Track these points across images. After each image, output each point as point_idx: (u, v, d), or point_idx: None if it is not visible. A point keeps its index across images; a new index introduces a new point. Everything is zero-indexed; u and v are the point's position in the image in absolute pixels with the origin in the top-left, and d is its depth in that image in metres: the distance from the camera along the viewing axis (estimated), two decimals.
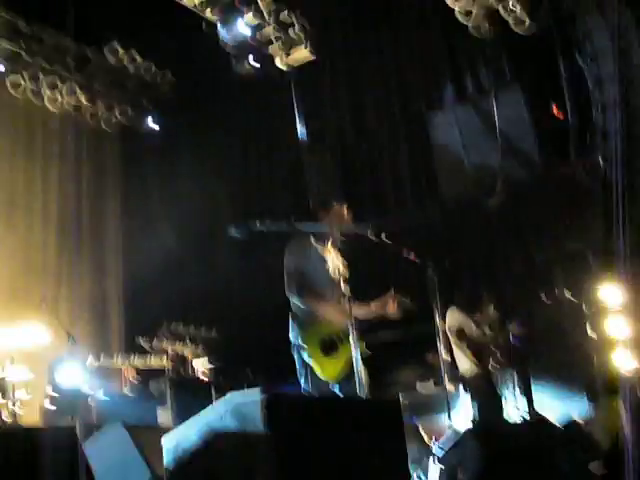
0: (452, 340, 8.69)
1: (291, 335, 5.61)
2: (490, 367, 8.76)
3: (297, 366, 5.55)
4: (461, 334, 8.66)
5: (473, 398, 8.83)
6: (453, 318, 8.76)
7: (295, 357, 5.55)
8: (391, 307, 5.70)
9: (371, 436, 3.62)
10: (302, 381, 5.49)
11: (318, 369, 5.36)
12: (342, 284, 5.61)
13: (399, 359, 11.42)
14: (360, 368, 5.18)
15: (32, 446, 3.13)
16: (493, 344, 8.88)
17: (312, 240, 5.68)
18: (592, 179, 10.14)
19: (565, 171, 10.78)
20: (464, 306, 8.89)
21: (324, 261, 5.59)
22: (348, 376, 5.43)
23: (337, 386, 5.48)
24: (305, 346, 5.38)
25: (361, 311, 5.61)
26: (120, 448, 4.00)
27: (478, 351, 8.69)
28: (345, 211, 5.83)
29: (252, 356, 11.96)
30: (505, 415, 8.75)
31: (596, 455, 5.57)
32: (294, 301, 5.59)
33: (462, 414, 9.10)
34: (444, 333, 8.74)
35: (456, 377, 8.95)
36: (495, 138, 10.77)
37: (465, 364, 8.70)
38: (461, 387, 9.24)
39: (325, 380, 5.37)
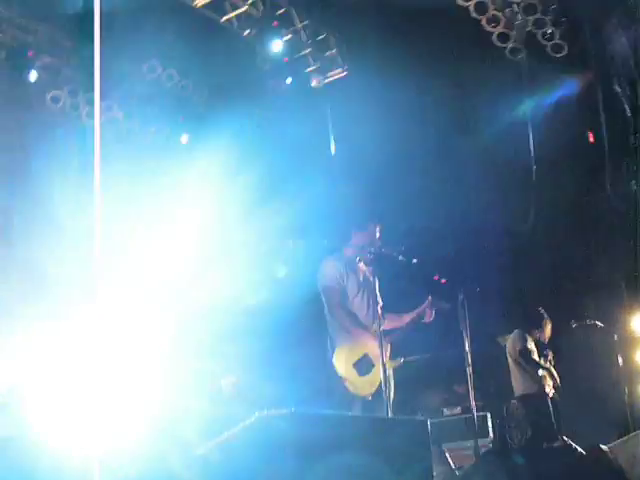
0: (516, 360, 8.71)
1: (329, 349, 5.62)
2: (548, 389, 8.72)
3: (332, 379, 5.56)
4: (527, 354, 8.67)
5: (527, 419, 8.78)
6: (519, 339, 8.78)
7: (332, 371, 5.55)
8: (428, 314, 5.69)
9: (398, 455, 3.61)
10: (337, 395, 5.49)
11: (353, 388, 5.36)
12: (376, 295, 5.61)
13: (426, 383, 11.37)
14: (390, 384, 5.20)
15: None
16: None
17: (344, 262, 5.70)
18: (626, 208, 10.08)
19: (600, 199, 10.73)
20: (527, 328, 8.90)
21: (358, 282, 5.61)
22: (377, 392, 5.43)
23: (361, 403, 5.46)
24: (339, 368, 5.39)
25: (394, 323, 5.62)
26: None
27: (539, 372, 8.69)
28: (378, 231, 5.83)
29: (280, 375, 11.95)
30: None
31: None
32: (332, 321, 5.59)
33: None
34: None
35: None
36: (530, 164, 10.73)
37: (525, 384, 8.66)
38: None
39: (357, 395, 5.37)
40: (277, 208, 13.23)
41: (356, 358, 5.45)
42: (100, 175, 3.70)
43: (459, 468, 6.28)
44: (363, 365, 5.43)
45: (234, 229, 13.32)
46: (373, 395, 5.38)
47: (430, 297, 5.69)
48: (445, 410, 10.07)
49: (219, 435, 3.43)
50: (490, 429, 9.44)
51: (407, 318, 5.70)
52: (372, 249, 5.53)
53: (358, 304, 5.64)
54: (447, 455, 6.33)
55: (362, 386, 5.38)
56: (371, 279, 5.69)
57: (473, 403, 6.25)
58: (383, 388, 5.07)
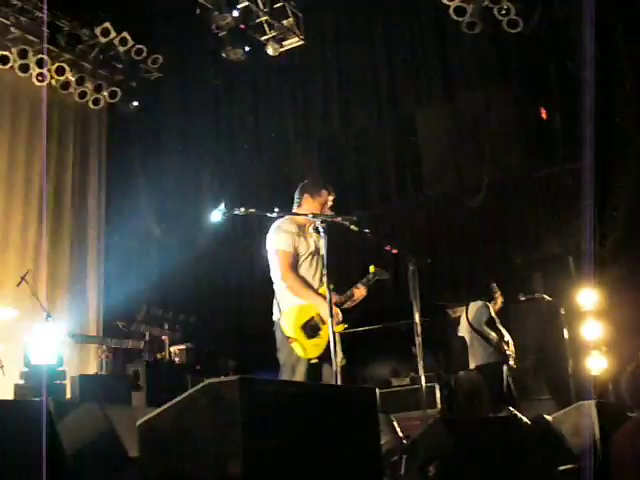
0: (476, 330, 8.76)
1: (275, 313, 5.61)
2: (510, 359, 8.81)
3: (277, 342, 5.56)
4: (494, 324, 8.72)
5: (480, 389, 8.92)
6: (484, 309, 8.82)
7: (276, 334, 5.55)
8: (362, 291, 5.70)
9: (345, 422, 3.63)
10: (279, 356, 5.49)
11: (301, 351, 5.37)
12: (323, 262, 5.62)
13: (376, 355, 11.47)
14: (338, 350, 5.26)
15: (1, 419, 3.13)
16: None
17: (293, 222, 5.67)
18: (577, 184, 10.22)
19: (550, 174, 10.87)
20: (487, 300, 8.96)
21: (307, 247, 5.60)
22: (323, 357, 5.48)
23: (305, 366, 5.47)
24: (287, 330, 5.39)
25: (338, 299, 5.63)
26: (94, 427, 4.00)
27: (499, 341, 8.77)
28: (330, 199, 5.81)
29: (231, 343, 11.99)
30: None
31: (563, 452, 5.64)
32: (279, 284, 5.57)
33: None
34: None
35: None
36: (483, 137, 10.81)
37: (486, 353, 8.74)
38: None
39: (305, 358, 5.39)
40: (227, 176, 13.23)
41: (304, 320, 5.45)
42: None
43: (407, 437, 6.35)
44: (310, 328, 5.45)
45: (184, 199, 13.29)
46: (319, 358, 5.40)
47: (355, 286, 5.70)
48: (394, 381, 10.19)
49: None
50: (438, 400, 9.58)
51: (338, 299, 5.70)
52: (324, 217, 5.51)
53: (306, 268, 5.63)
54: (395, 424, 6.39)
55: (309, 349, 5.40)
56: (320, 246, 5.69)
57: (422, 374, 6.31)
58: (332, 354, 5.10)
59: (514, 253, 10.79)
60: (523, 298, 9.11)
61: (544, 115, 11.28)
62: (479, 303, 8.93)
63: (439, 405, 9.43)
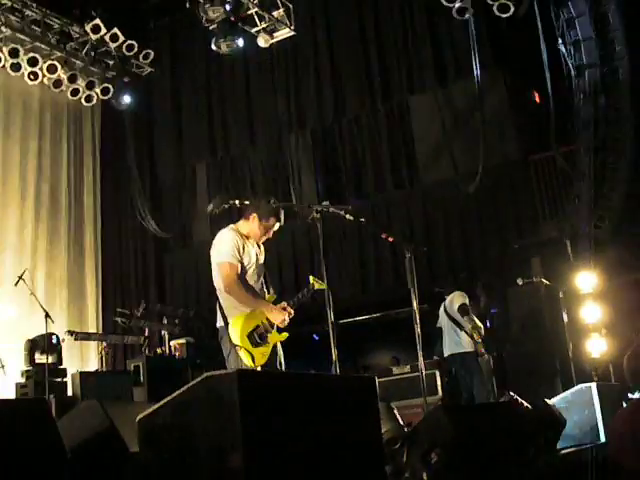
0: (451, 317, 8.85)
1: (219, 320, 5.60)
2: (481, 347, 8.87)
3: (223, 350, 5.56)
4: (466, 311, 8.79)
5: (462, 374, 8.99)
6: (456, 297, 8.91)
7: (221, 342, 5.55)
8: (280, 317, 5.70)
9: (345, 412, 3.63)
10: (227, 365, 5.50)
11: (248, 359, 5.38)
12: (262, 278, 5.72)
13: (375, 343, 11.49)
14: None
15: (2, 418, 3.13)
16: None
17: (237, 232, 5.67)
18: (571, 167, 10.21)
19: (545, 158, 10.86)
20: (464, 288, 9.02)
21: (250, 257, 5.60)
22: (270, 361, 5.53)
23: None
24: (234, 338, 5.41)
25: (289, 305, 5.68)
26: (94, 423, 4.00)
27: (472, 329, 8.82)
28: (276, 228, 5.83)
29: None
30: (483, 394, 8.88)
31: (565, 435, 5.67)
32: (226, 296, 5.56)
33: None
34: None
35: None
36: (476, 123, 10.79)
37: (459, 340, 8.83)
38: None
39: (251, 366, 5.41)
40: (222, 168, 13.22)
41: (250, 328, 5.46)
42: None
43: (408, 425, 6.36)
44: (257, 336, 5.47)
45: (179, 194, 13.28)
46: (263, 367, 5.43)
47: (285, 302, 5.72)
48: (394, 369, 10.20)
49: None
50: (439, 387, 9.60)
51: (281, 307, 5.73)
52: (319, 207, 5.50)
53: (251, 278, 5.64)
54: (396, 412, 6.39)
55: (256, 356, 5.41)
56: (260, 256, 5.76)
57: (422, 362, 6.31)
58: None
59: (511, 238, 10.79)
60: (521, 282, 9.11)
61: (537, 99, 11.27)
62: (456, 292, 8.99)
63: (440, 392, 9.44)
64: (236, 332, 5.45)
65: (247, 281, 5.61)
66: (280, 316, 5.49)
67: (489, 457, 4.66)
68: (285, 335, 5.64)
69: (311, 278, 5.72)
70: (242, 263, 5.60)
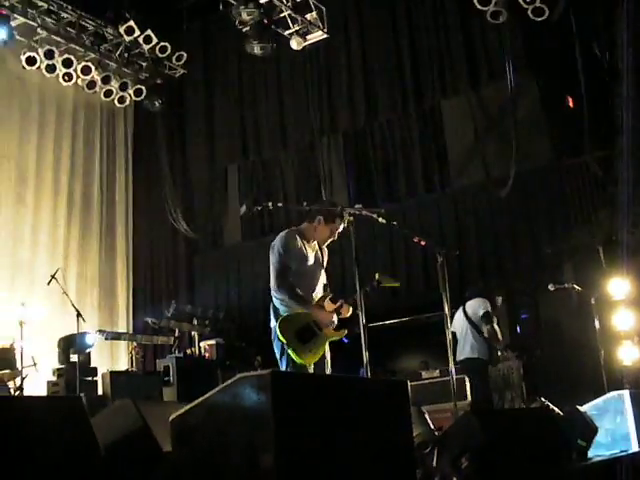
0: (472, 322, 8.76)
1: (272, 320, 5.63)
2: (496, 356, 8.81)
3: (275, 349, 5.58)
4: (488, 319, 8.71)
5: (472, 381, 8.92)
6: (479, 302, 8.83)
7: (274, 342, 5.58)
8: (344, 310, 5.69)
9: (377, 415, 3.62)
10: (282, 365, 5.52)
11: (296, 357, 5.39)
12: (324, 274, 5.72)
13: (405, 347, 11.45)
14: (366, 355, 5.30)
15: (37, 415, 3.15)
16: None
17: (298, 234, 5.69)
18: (605, 172, 10.12)
19: (578, 163, 10.77)
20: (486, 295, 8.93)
21: (308, 259, 5.60)
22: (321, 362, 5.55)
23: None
24: (282, 336, 5.42)
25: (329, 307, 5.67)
26: (127, 422, 4.02)
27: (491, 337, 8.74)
28: (341, 228, 5.83)
29: (259, 338, 12.02)
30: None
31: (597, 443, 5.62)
32: (276, 292, 5.59)
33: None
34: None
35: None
36: (509, 128, 10.72)
37: (476, 346, 8.76)
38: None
39: (301, 365, 5.42)
40: (254, 170, 13.27)
41: (299, 326, 5.48)
42: None
43: (439, 429, 6.34)
44: (305, 333, 5.47)
45: (211, 197, 13.33)
46: (315, 365, 5.45)
47: (342, 300, 5.69)
48: (424, 373, 10.16)
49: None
50: (468, 392, 9.54)
51: (331, 307, 5.73)
52: (352, 210, 5.51)
53: (305, 281, 5.65)
54: (427, 416, 6.38)
55: (304, 355, 5.42)
56: (322, 259, 5.77)
57: (452, 366, 6.29)
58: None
59: (543, 243, 10.70)
60: (553, 288, 9.02)
61: (571, 103, 11.17)
62: (478, 298, 8.90)
63: (469, 397, 9.39)
64: (285, 331, 5.47)
65: (300, 284, 5.63)
66: (328, 317, 5.50)
67: (519, 463, 4.63)
68: (343, 332, 5.63)
69: (377, 274, 5.72)
70: (297, 265, 5.63)
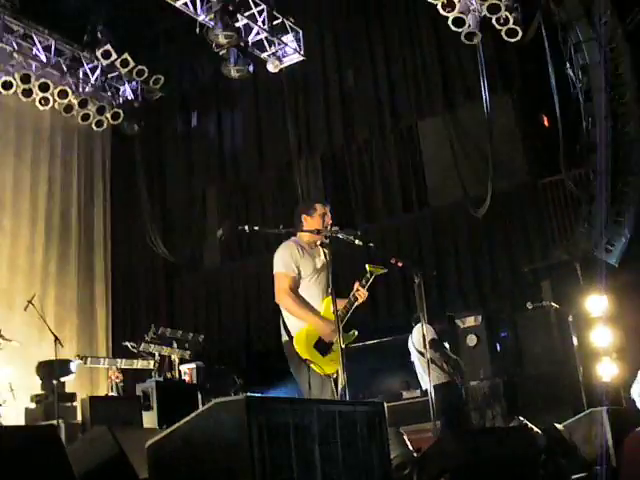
0: (420, 352, 8.58)
1: (283, 335, 5.60)
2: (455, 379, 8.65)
3: (292, 367, 5.55)
4: (435, 345, 8.55)
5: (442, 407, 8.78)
6: (430, 330, 8.68)
7: (288, 357, 5.55)
8: (360, 294, 5.68)
9: (353, 437, 3.63)
10: (300, 383, 5.50)
11: (320, 369, 5.38)
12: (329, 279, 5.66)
13: (386, 368, 11.43)
14: (343, 375, 5.27)
15: (11, 445, 3.13)
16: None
17: (296, 244, 5.67)
18: (581, 190, 10.21)
19: (554, 182, 10.86)
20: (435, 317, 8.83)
21: (313, 266, 5.58)
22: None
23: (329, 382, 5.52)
24: (301, 352, 5.40)
25: (340, 306, 5.63)
26: (104, 450, 4.00)
27: (448, 362, 8.61)
28: (327, 211, 5.80)
29: (240, 361, 11.99)
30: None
31: (576, 460, 5.62)
32: (282, 308, 5.58)
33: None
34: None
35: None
36: (485, 147, 10.81)
37: (438, 374, 8.60)
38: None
39: (326, 374, 5.42)
40: (232, 193, 13.27)
41: (315, 339, 5.46)
42: None
43: (417, 450, 6.33)
44: (323, 345, 5.46)
45: (189, 220, 13.33)
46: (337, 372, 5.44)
47: (357, 282, 5.69)
48: (404, 393, 10.15)
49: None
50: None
51: (343, 303, 5.72)
52: (327, 234, 5.52)
53: (310, 288, 5.62)
54: (405, 437, 6.37)
55: (326, 365, 5.41)
56: (325, 262, 5.72)
57: (431, 385, 6.29)
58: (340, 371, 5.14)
59: (521, 262, 10.77)
60: (531, 307, 9.07)
61: (546, 122, 11.29)
62: (420, 326, 8.75)
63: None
64: (302, 346, 5.45)
65: (305, 291, 5.61)
66: (327, 330, 5.48)
67: None
68: (354, 334, 5.61)
69: (367, 266, 5.72)
70: (300, 274, 5.61)
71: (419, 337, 8.57)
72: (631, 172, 9.58)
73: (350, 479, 3.56)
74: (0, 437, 3.26)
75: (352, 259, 6.22)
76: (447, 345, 8.95)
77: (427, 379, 8.55)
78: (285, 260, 5.61)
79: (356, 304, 5.66)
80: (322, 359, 5.43)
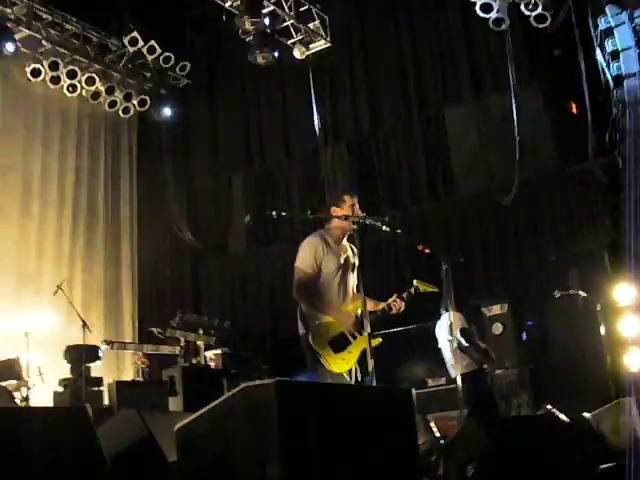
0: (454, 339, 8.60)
1: (300, 328, 5.60)
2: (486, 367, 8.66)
3: (307, 359, 5.56)
4: (468, 334, 8.58)
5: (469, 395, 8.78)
6: (461, 319, 8.69)
7: (304, 347, 5.55)
8: (397, 306, 5.67)
9: (382, 423, 3.62)
10: (312, 372, 5.50)
11: (330, 365, 5.39)
12: (355, 275, 5.66)
13: (411, 355, 11.42)
14: (370, 361, 5.23)
15: (43, 426, 3.16)
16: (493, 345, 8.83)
17: (324, 241, 5.66)
18: (609, 178, 10.10)
19: (582, 170, 10.76)
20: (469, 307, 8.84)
21: (337, 262, 5.57)
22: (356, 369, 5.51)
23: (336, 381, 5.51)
24: (315, 345, 5.40)
25: (370, 307, 5.60)
26: (132, 433, 4.02)
27: (479, 351, 8.61)
28: (355, 203, 5.78)
29: (265, 347, 12.02)
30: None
31: (603, 450, 5.58)
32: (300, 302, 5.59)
33: None
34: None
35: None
36: (513, 135, 10.72)
37: (463, 363, 8.60)
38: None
39: (337, 372, 5.41)
40: (258, 180, 13.28)
41: (332, 335, 5.46)
42: None
43: (444, 437, 6.33)
44: (338, 343, 5.46)
45: (216, 204, 13.38)
46: (348, 373, 5.44)
47: (396, 294, 5.69)
48: (430, 381, 10.14)
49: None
50: None
51: (380, 306, 5.71)
52: (355, 220, 5.51)
53: (334, 285, 5.62)
54: (432, 424, 6.37)
55: (337, 363, 5.41)
56: (352, 259, 5.73)
57: (458, 373, 6.28)
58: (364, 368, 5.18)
59: (548, 250, 10.69)
60: (558, 295, 9.00)
61: (574, 110, 11.17)
62: (454, 314, 8.72)
63: None
64: (317, 340, 5.47)
65: (326, 288, 5.61)
66: (347, 320, 5.47)
67: (526, 471, 4.61)
68: (378, 340, 5.60)
69: (415, 281, 5.72)
70: (320, 270, 5.62)
71: (448, 325, 8.58)
72: None
73: (378, 465, 3.56)
74: (31, 418, 3.28)
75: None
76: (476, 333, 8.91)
77: (456, 367, 8.60)
78: (308, 256, 5.62)
79: (390, 313, 5.66)
80: (334, 356, 5.44)
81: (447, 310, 8.60)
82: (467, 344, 8.46)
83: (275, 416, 3.10)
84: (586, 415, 5.87)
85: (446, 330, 8.54)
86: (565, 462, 5.08)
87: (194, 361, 10.46)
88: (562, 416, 6.21)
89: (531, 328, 10.33)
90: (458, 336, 8.54)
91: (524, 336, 10.21)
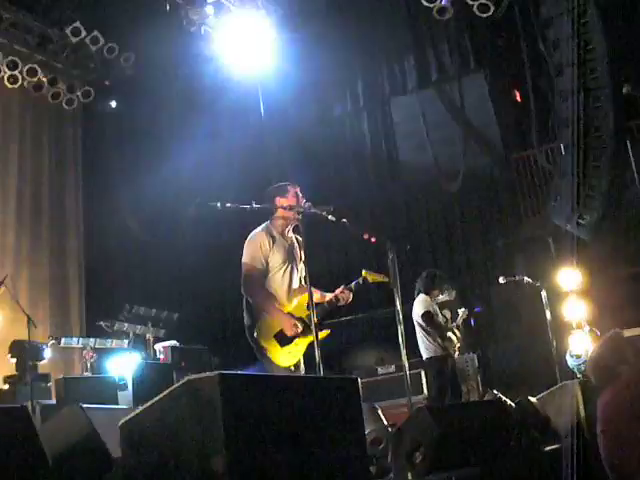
0: (421, 324, 8.73)
1: (246, 319, 5.60)
2: (451, 351, 8.86)
3: (254, 348, 5.56)
4: (430, 318, 8.70)
5: (434, 380, 8.95)
6: (424, 302, 8.81)
7: (250, 340, 5.56)
8: (345, 297, 5.68)
9: (327, 413, 3.62)
10: (263, 366, 5.51)
11: (275, 358, 5.39)
12: (301, 266, 5.67)
13: (360, 343, 11.49)
14: (318, 353, 5.25)
15: None
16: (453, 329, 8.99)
17: (268, 233, 5.64)
18: (553, 165, 10.26)
19: (527, 157, 10.91)
20: (428, 290, 8.92)
21: (283, 256, 5.56)
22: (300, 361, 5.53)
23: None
24: (259, 338, 5.40)
25: (316, 299, 5.61)
26: (76, 429, 3.97)
27: (442, 335, 8.76)
28: (299, 192, 5.77)
29: (214, 339, 11.98)
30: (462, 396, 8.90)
31: (549, 433, 5.68)
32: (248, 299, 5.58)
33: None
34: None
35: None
36: (458, 124, 10.83)
37: (430, 348, 8.75)
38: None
39: (282, 366, 5.42)
40: (206, 171, 13.19)
41: (277, 329, 5.47)
42: None
43: (392, 425, 6.37)
44: (284, 336, 5.46)
45: (162, 197, 13.27)
46: (295, 367, 5.45)
47: (343, 285, 5.72)
48: (379, 369, 10.21)
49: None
50: (424, 386, 9.61)
51: (328, 297, 5.73)
52: (300, 209, 5.50)
53: (279, 279, 5.62)
54: (380, 413, 6.40)
55: (283, 357, 5.42)
56: (298, 251, 5.73)
57: (406, 361, 6.32)
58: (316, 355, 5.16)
59: (494, 236, 10.83)
60: (504, 281, 9.12)
61: (518, 97, 11.32)
62: (417, 297, 8.89)
63: (425, 392, 9.45)
64: (263, 333, 5.45)
65: (273, 282, 5.59)
66: (288, 324, 5.47)
67: (473, 456, 4.67)
68: (326, 332, 5.59)
69: (363, 272, 5.72)
70: (268, 264, 5.59)
71: (414, 309, 8.73)
72: (602, 146, 9.63)
73: (324, 455, 3.56)
74: None
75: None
76: (447, 317, 9.01)
77: (421, 349, 8.75)
78: (254, 251, 5.60)
79: (338, 304, 5.67)
80: (279, 350, 5.44)
81: (419, 294, 8.76)
82: (431, 329, 8.60)
83: (219, 409, 3.09)
84: (531, 399, 5.96)
85: (415, 314, 8.71)
86: (511, 446, 5.16)
87: (142, 354, 10.38)
88: (508, 401, 6.31)
89: (478, 314, 10.47)
90: (420, 321, 8.69)
91: (472, 322, 10.34)
